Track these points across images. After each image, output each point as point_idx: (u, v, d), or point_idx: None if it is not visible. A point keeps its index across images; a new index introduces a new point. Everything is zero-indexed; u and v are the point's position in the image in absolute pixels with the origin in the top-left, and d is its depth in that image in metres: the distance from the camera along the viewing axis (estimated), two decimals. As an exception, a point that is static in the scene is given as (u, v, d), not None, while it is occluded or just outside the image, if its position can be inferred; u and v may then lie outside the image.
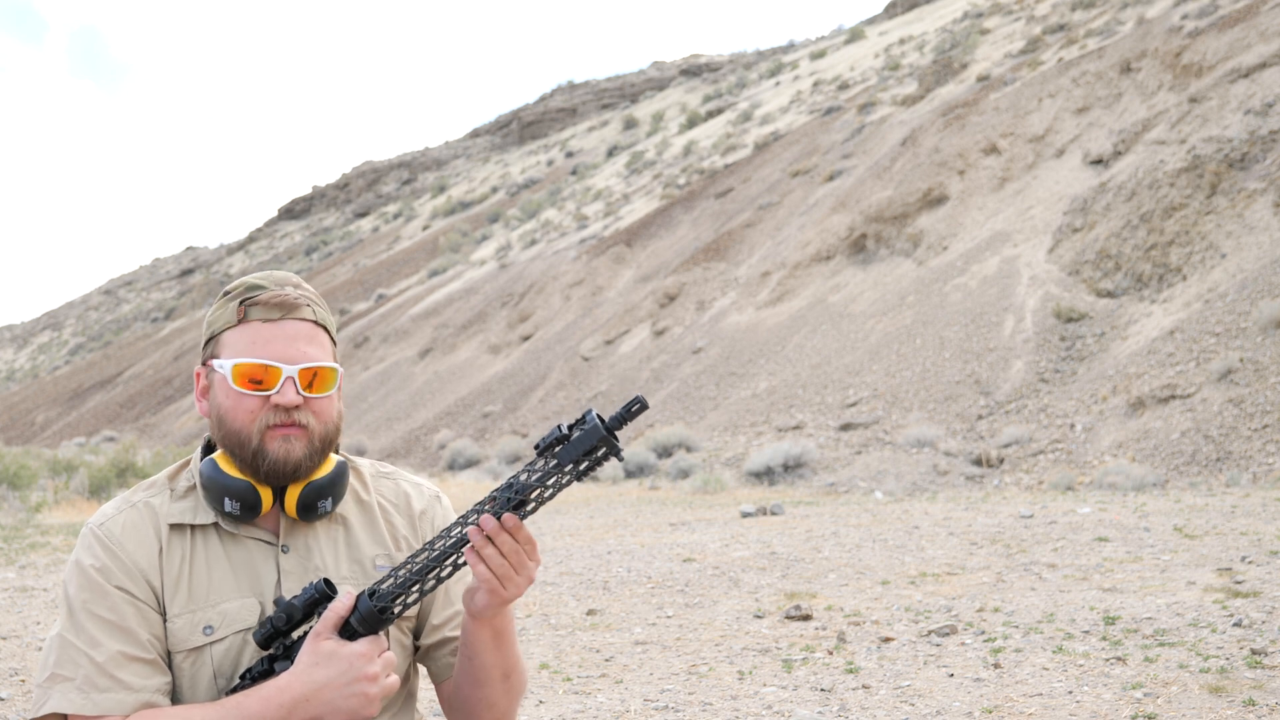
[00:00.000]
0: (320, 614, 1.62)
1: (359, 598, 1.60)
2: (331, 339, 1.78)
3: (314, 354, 1.72)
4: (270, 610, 1.71)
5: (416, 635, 1.85)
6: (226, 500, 1.69)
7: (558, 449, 1.52)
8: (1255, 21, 20.38)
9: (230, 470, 1.70)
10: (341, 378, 1.78)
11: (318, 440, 1.72)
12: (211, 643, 1.69)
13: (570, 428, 1.52)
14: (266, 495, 1.71)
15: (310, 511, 1.74)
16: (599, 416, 1.51)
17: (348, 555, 1.79)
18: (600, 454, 1.51)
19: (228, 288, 1.77)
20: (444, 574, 1.58)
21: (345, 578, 1.76)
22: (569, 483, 1.53)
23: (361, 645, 1.59)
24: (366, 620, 1.59)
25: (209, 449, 1.80)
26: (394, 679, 1.63)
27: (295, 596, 1.63)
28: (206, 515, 1.73)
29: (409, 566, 1.58)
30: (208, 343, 1.76)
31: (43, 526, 11.84)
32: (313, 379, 1.71)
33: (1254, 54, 19.30)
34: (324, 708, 1.59)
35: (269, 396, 1.69)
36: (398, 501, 1.88)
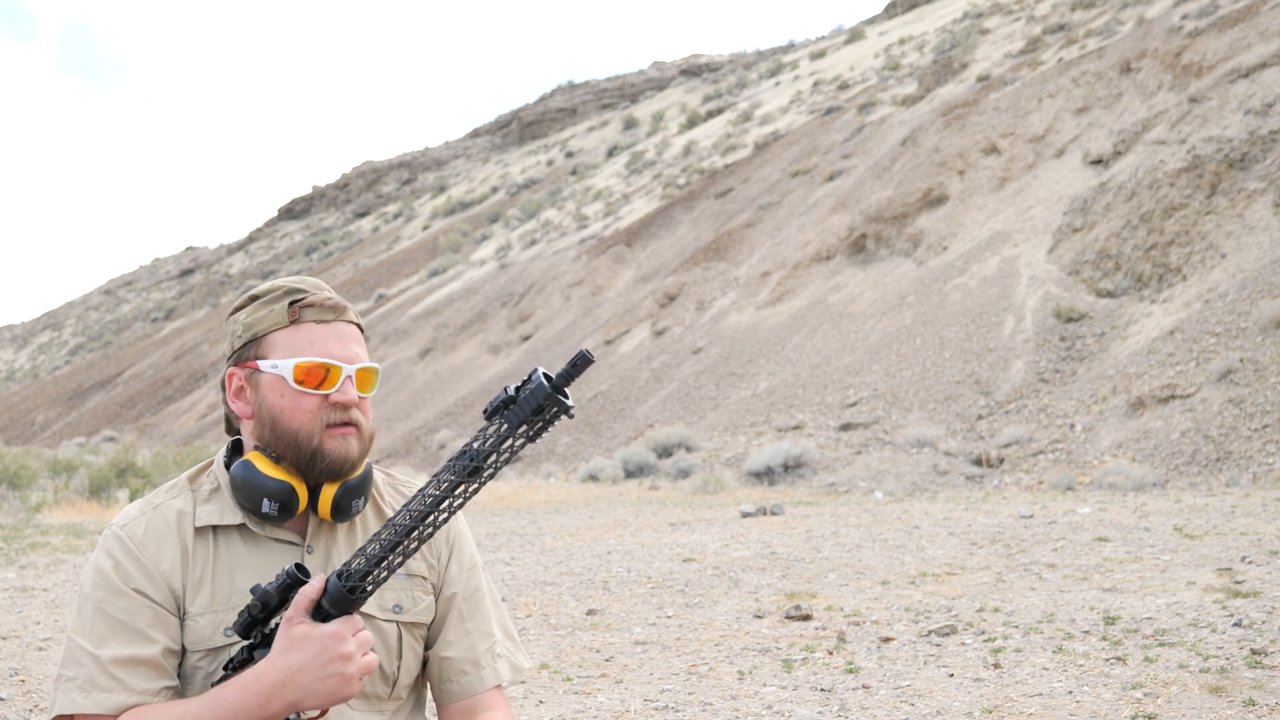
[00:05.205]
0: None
1: (328, 579, 1.59)
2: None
3: (363, 355, 1.77)
4: None
5: (428, 646, 1.85)
6: (265, 502, 1.69)
7: (506, 411, 1.48)
8: (1255, 21, 20.38)
9: (269, 471, 1.70)
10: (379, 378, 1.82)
11: (366, 439, 1.75)
12: (232, 644, 1.69)
13: (517, 389, 1.48)
14: (303, 496, 1.72)
15: (343, 513, 1.75)
16: (545, 375, 1.46)
17: None
18: (550, 413, 1.46)
19: (255, 292, 1.77)
20: (410, 548, 1.56)
21: None
22: (522, 445, 1.49)
23: (334, 626, 1.57)
24: (337, 601, 1.57)
25: (234, 451, 1.80)
26: (372, 657, 1.61)
27: (269, 583, 1.61)
28: (233, 516, 1.73)
29: (375, 544, 1.56)
30: (248, 344, 1.75)
31: (43, 526, 11.84)
32: (364, 379, 1.75)
33: (1254, 54, 19.30)
34: (301, 692, 1.57)
35: (328, 395, 1.71)
36: None
